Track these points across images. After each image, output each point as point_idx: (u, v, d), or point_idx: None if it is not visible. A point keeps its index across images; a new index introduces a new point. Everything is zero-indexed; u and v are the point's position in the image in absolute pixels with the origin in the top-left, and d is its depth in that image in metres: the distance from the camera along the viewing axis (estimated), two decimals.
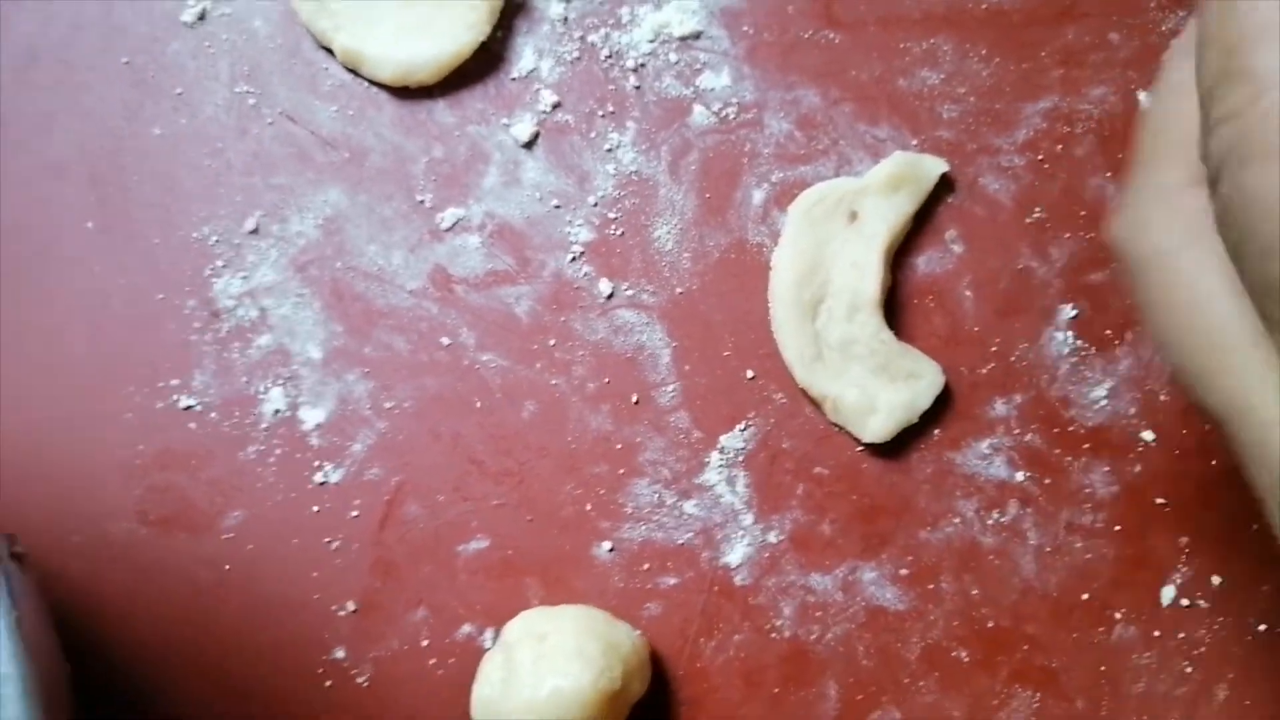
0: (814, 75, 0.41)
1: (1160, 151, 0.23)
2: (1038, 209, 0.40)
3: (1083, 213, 0.40)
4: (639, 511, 0.40)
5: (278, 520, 0.40)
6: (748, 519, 0.39)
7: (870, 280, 0.39)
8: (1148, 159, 0.23)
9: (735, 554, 0.39)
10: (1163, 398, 0.39)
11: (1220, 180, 0.19)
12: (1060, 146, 0.40)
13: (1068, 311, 0.39)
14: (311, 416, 0.41)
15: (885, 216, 0.38)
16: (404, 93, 0.42)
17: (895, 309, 0.40)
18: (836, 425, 0.39)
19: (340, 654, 0.40)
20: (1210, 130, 0.19)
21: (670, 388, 0.40)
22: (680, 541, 0.39)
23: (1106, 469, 0.39)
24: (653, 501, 0.40)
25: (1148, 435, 0.39)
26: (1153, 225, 0.22)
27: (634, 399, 0.40)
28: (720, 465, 0.39)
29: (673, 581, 0.39)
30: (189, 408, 0.41)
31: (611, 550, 0.40)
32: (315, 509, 0.40)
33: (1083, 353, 0.39)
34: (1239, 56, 0.18)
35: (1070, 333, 0.39)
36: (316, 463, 0.41)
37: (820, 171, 0.41)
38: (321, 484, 0.40)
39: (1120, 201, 0.24)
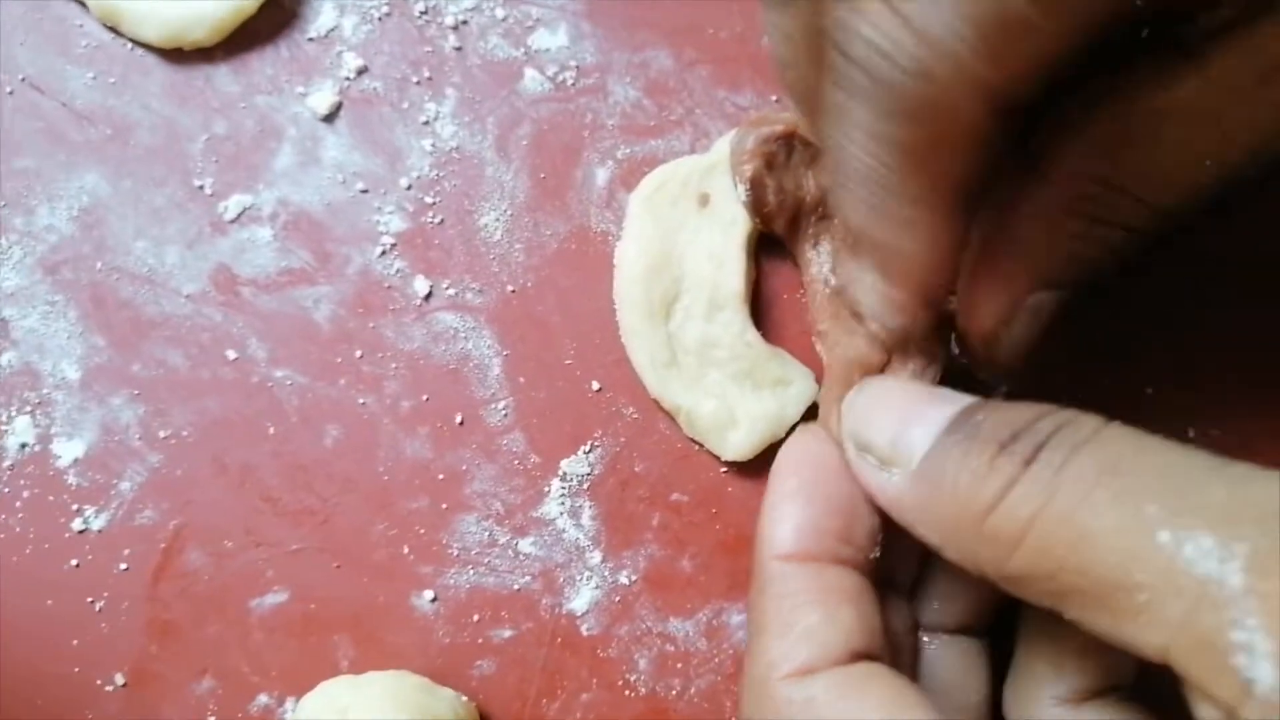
0: (665, 34, 0.35)
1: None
2: None
3: None
4: (466, 553, 0.34)
5: (27, 577, 0.34)
6: (595, 558, 0.33)
7: (731, 273, 0.33)
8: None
9: (581, 599, 0.33)
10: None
11: None
12: None
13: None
14: (68, 450, 0.34)
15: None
16: (177, 56, 0.36)
17: (761, 306, 0.34)
18: (695, 442, 0.33)
19: None
20: None
21: (501, 405, 0.34)
22: (516, 587, 0.33)
23: None
24: (482, 541, 0.34)
25: None
26: None
27: (458, 419, 0.34)
28: (562, 495, 0.34)
29: (508, 634, 0.33)
30: None
31: (434, 600, 0.33)
32: (74, 562, 0.34)
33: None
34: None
35: None
36: (75, 506, 0.34)
37: (674, 146, 0.35)
38: (81, 531, 0.34)
39: None
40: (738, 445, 0.33)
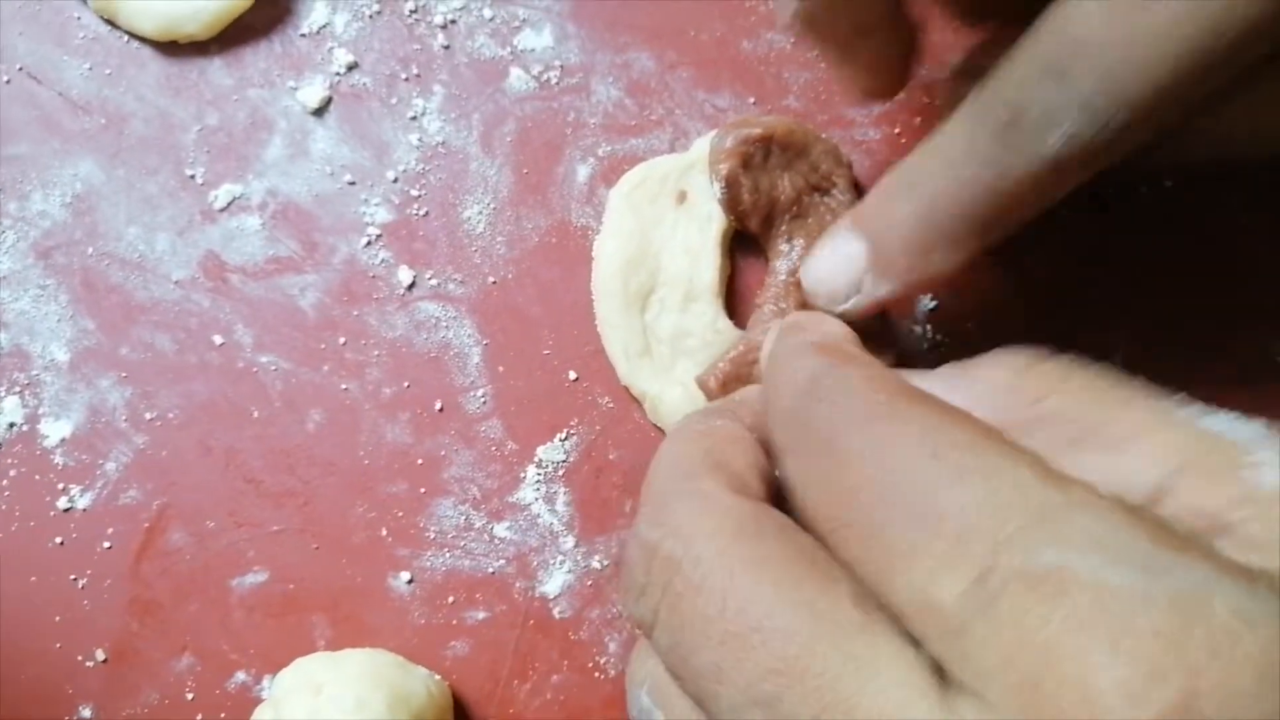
0: (648, 36, 0.36)
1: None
2: None
3: None
4: (443, 536, 0.34)
5: (12, 554, 0.34)
6: (568, 542, 0.34)
7: (706, 267, 0.34)
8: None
9: (554, 583, 0.34)
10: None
11: None
12: (919, 120, 0.36)
13: (926, 303, 0.35)
14: (55, 430, 0.35)
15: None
16: (171, 49, 0.36)
17: (734, 301, 0.35)
18: (661, 430, 0.34)
19: (87, 713, 0.34)
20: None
21: (480, 392, 0.35)
22: (490, 570, 0.34)
23: None
24: (459, 524, 0.34)
25: None
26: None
27: (438, 406, 0.35)
28: (537, 481, 0.34)
29: (481, 616, 0.34)
30: None
31: (410, 582, 0.34)
32: (59, 540, 0.34)
33: (943, 349, 0.35)
34: None
35: (929, 326, 0.35)
36: (60, 485, 0.34)
37: (653, 145, 0.36)
38: (67, 510, 0.34)
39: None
40: None
